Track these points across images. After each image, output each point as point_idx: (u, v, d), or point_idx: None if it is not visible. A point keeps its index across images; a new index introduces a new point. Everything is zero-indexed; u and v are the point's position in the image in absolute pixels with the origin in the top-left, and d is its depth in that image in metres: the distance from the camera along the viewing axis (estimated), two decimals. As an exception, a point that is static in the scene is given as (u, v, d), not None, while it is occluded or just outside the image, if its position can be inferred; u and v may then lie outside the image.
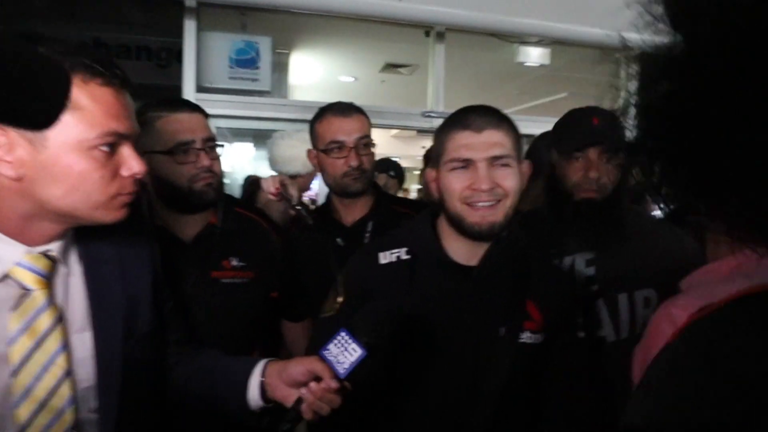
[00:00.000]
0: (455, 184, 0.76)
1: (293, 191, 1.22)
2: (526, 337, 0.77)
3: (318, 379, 0.63)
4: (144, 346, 0.69)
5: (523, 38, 2.55)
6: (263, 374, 0.70)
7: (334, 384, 0.62)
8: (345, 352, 0.61)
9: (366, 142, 1.14)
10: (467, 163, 0.75)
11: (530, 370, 0.79)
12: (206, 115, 1.01)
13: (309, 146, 1.21)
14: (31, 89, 0.28)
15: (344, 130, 1.12)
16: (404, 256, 0.80)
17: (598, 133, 0.96)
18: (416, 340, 0.75)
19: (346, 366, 0.61)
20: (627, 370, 0.67)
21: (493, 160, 0.75)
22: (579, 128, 1.00)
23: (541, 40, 2.58)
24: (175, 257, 0.95)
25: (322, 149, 1.15)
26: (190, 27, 2.13)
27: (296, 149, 1.65)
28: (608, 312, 0.98)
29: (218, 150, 1.00)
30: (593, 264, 0.99)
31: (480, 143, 0.75)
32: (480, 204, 0.75)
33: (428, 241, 0.80)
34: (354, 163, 1.11)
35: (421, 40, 2.52)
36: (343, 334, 0.63)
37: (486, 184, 0.73)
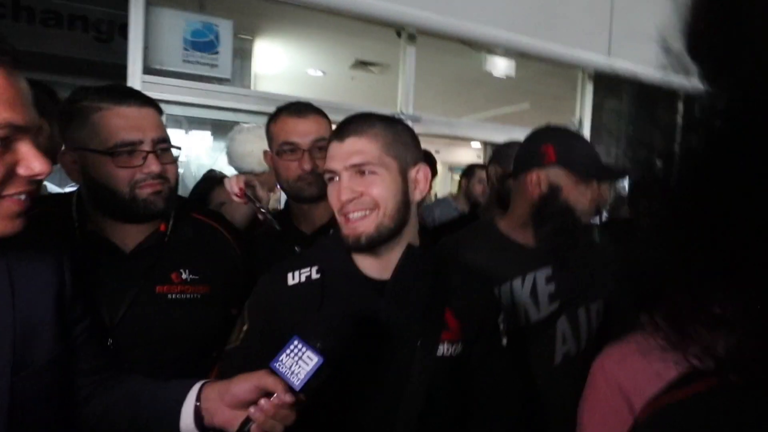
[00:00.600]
0: (332, 197, 0.76)
1: (261, 192, 1.11)
2: (444, 349, 0.75)
3: (268, 395, 0.58)
4: (41, 379, 0.59)
5: (490, 48, 2.60)
6: (198, 398, 0.62)
7: (288, 398, 0.57)
8: (300, 362, 0.57)
9: (322, 145, 1.06)
10: (332, 174, 0.75)
11: (450, 382, 0.76)
12: (159, 110, 0.87)
13: (266, 143, 1.14)
14: None
15: (298, 131, 1.06)
16: (314, 276, 0.76)
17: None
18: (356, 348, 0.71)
19: (302, 376, 0.57)
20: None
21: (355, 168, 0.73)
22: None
23: (507, 52, 2.64)
24: (110, 269, 0.82)
25: (275, 151, 1.09)
26: None
27: (252, 144, 1.57)
28: (570, 327, 1.00)
29: (174, 152, 0.86)
30: (552, 280, 1.00)
31: (341, 152, 0.74)
32: (350, 215, 0.73)
33: (339, 257, 0.76)
34: (307, 166, 1.05)
35: (392, 40, 2.48)
36: (296, 342, 0.58)
37: (346, 194, 0.72)
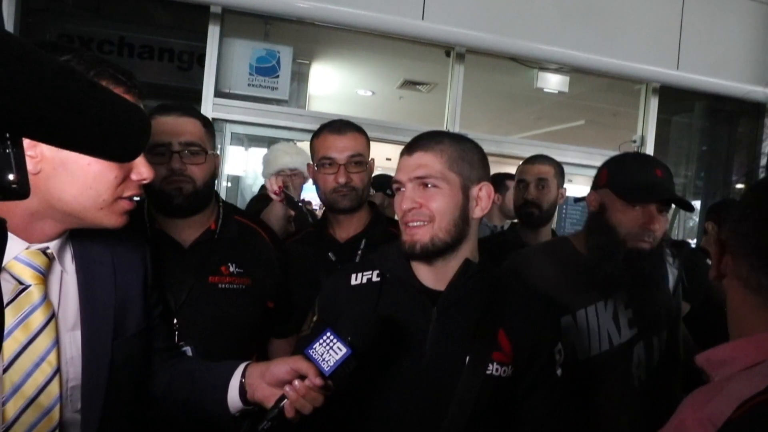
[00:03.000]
0: (396, 205, 0.80)
1: (293, 192, 1.23)
2: (493, 368, 0.75)
3: (302, 378, 0.64)
4: (131, 347, 0.69)
5: (542, 64, 2.56)
6: (243, 375, 0.69)
7: (318, 381, 0.62)
8: (330, 351, 0.63)
9: (358, 160, 1.14)
10: (399, 185, 0.79)
11: (497, 405, 0.76)
12: (202, 121, 1.00)
13: (293, 151, 1.21)
14: (125, 129, 0.31)
15: (336, 147, 1.13)
16: (375, 279, 0.82)
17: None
18: (390, 348, 0.74)
19: (331, 364, 0.63)
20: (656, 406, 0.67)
21: (418, 181, 0.77)
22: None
23: (561, 68, 2.58)
24: (173, 262, 0.94)
25: (316, 164, 1.17)
26: (213, 32, 2.17)
27: (277, 152, 1.79)
28: (645, 354, 1.02)
29: (201, 156, 0.97)
30: (630, 306, 1.02)
31: (408, 165, 0.78)
32: (409, 224, 0.77)
33: (398, 264, 0.81)
34: (342, 180, 1.12)
35: (441, 60, 2.53)
36: (328, 333, 0.64)
37: (407, 204, 0.76)
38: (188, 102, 1.29)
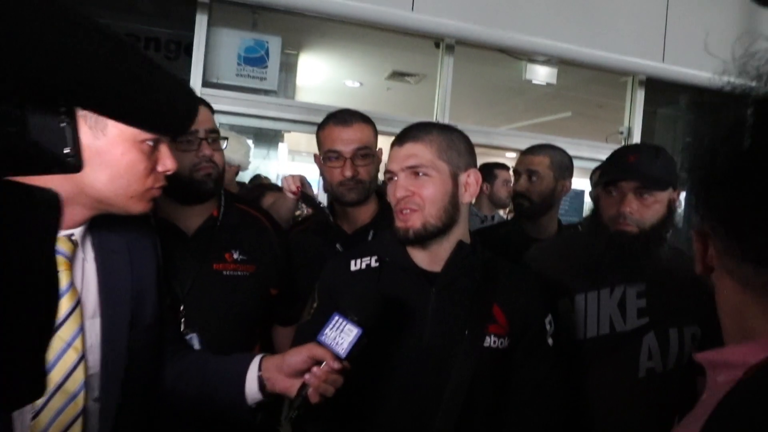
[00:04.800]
0: (389, 194, 0.83)
1: (310, 191, 1.23)
2: (491, 341, 0.79)
3: (318, 364, 0.66)
4: (147, 337, 0.70)
5: (531, 56, 2.58)
6: (260, 368, 0.71)
7: (336, 365, 0.65)
8: (342, 334, 0.65)
9: (365, 153, 1.13)
10: (391, 174, 0.83)
11: (495, 376, 0.80)
12: (212, 110, 1.03)
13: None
14: (176, 102, 0.31)
15: (342, 140, 1.12)
16: (373, 264, 0.85)
17: (631, 169, 0.99)
18: (393, 326, 0.78)
19: (345, 346, 0.65)
20: (672, 399, 0.68)
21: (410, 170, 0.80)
22: (615, 164, 1.04)
23: (549, 59, 2.60)
24: (177, 249, 0.94)
25: (322, 156, 1.16)
26: (201, 21, 2.12)
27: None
28: (658, 345, 1.00)
29: (221, 143, 1.01)
30: (644, 296, 1.02)
31: (399, 155, 0.81)
32: (402, 211, 0.80)
33: (396, 249, 0.84)
34: (348, 173, 1.11)
35: (429, 51, 2.53)
36: (336, 317, 0.67)
37: (400, 192, 0.79)
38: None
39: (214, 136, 0.98)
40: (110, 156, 0.60)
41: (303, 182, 1.20)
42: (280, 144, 3.66)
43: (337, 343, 0.65)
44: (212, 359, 0.76)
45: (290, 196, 1.21)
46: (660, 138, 3.09)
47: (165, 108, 0.29)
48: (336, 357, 0.65)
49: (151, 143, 0.63)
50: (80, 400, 0.61)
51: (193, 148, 0.94)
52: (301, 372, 0.66)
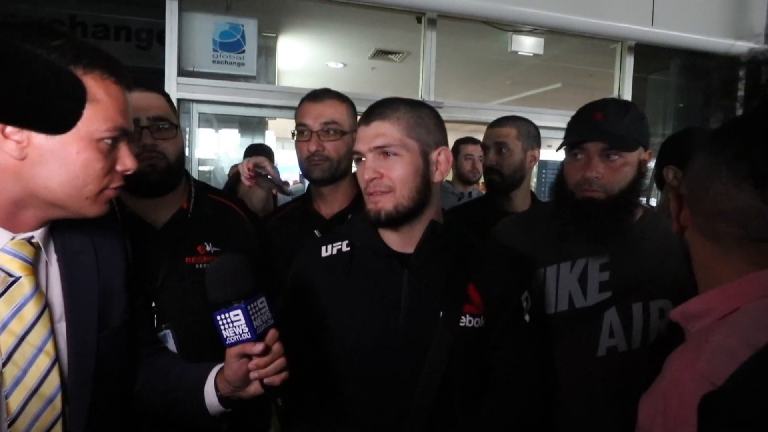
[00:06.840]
0: (358, 176, 0.80)
1: (270, 168, 1.16)
2: (466, 320, 0.77)
3: (249, 358, 0.65)
4: (116, 339, 0.68)
5: (516, 27, 2.51)
6: (216, 387, 0.70)
7: (258, 348, 0.63)
8: (233, 325, 0.63)
9: (333, 128, 1.09)
10: (359, 155, 0.79)
11: (472, 355, 0.79)
12: (167, 97, 0.99)
13: None
14: (53, 97, 0.28)
15: (310, 114, 1.10)
16: (344, 249, 0.83)
17: (596, 129, 0.89)
18: (363, 310, 0.76)
19: (245, 329, 0.62)
20: (637, 380, 0.64)
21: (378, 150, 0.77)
22: (579, 123, 0.94)
23: (535, 29, 2.53)
24: (146, 244, 0.91)
25: (293, 132, 1.14)
26: (172, 7, 2.03)
27: None
28: (620, 321, 0.92)
29: (172, 131, 0.96)
30: (607, 269, 0.93)
31: (366, 135, 0.78)
32: (373, 193, 0.77)
33: (367, 232, 0.82)
34: (312, 147, 1.08)
35: (412, 27, 2.45)
36: (217, 318, 0.63)
37: (369, 174, 0.77)
38: (151, 83, 1.23)
39: (159, 124, 0.93)
40: (64, 155, 0.56)
41: (258, 164, 1.15)
42: (266, 132, 3.59)
43: (240, 334, 0.62)
44: (175, 369, 0.74)
45: (246, 182, 1.15)
46: (651, 104, 3.06)
47: (40, 102, 0.27)
48: (252, 342, 0.63)
49: (109, 141, 0.59)
50: (58, 403, 0.59)
51: (132, 137, 0.90)
52: (246, 373, 0.65)
